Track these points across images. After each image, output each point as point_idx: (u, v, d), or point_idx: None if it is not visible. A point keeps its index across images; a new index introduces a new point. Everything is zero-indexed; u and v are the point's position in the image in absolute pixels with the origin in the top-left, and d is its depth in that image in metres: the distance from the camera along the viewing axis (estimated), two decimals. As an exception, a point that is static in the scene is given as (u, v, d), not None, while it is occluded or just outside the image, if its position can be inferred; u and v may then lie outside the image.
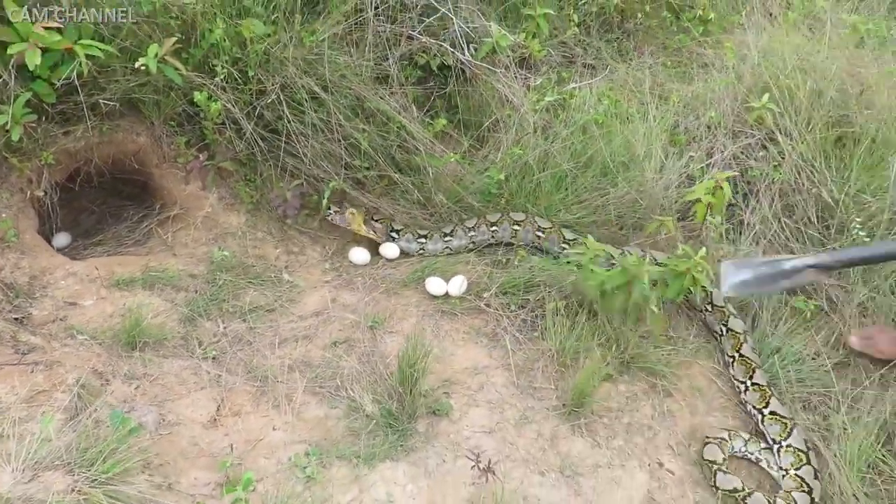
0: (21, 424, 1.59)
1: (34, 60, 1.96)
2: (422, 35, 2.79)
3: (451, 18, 2.81)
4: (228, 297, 2.24)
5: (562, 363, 2.15)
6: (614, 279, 1.99)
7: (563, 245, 2.53)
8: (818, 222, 2.63)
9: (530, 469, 1.85)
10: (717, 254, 2.59)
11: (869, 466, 1.95)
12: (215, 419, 1.86)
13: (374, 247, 2.60)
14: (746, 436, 2.08)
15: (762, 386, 2.14)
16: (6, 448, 1.51)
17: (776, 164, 2.77)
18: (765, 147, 2.86)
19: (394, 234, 2.58)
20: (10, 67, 2.02)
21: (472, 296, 2.38)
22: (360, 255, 2.52)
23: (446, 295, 2.39)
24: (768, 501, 1.88)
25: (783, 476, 1.99)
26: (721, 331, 2.36)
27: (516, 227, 2.60)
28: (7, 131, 2.05)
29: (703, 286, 2.18)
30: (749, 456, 2.06)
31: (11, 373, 1.77)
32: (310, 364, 2.08)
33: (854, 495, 1.89)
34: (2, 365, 1.79)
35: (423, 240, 2.57)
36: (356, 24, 2.65)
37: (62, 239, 2.53)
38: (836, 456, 1.96)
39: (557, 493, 1.80)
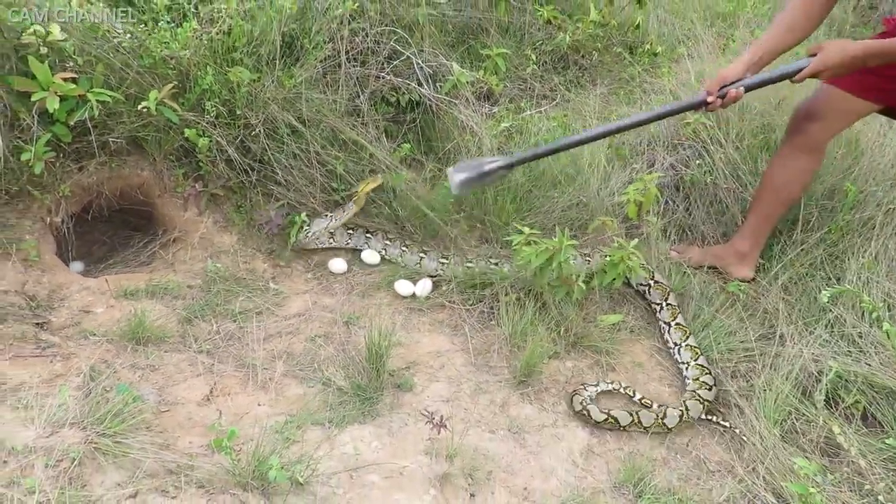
0: (42, 398, 1.88)
1: (53, 106, 2.35)
2: (389, 75, 3.19)
3: (414, 59, 3.21)
4: (221, 303, 2.55)
5: (514, 344, 2.43)
6: (539, 256, 2.29)
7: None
8: (743, 216, 2.94)
9: (482, 429, 2.12)
10: (656, 249, 2.90)
11: (788, 415, 2.20)
12: (208, 398, 2.14)
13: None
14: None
15: (673, 305, 2.63)
16: (30, 414, 1.80)
17: (708, 170, 3.10)
18: (701, 156, 3.20)
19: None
20: (33, 113, 2.40)
21: (436, 294, 2.69)
22: (338, 264, 2.84)
23: (413, 295, 2.69)
24: (657, 415, 2.23)
25: (686, 367, 2.45)
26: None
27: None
28: (30, 167, 2.41)
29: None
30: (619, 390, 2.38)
31: (34, 362, 2.08)
32: (292, 354, 2.37)
33: (772, 443, 2.13)
34: (26, 357, 2.10)
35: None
36: (330, 67, 3.06)
37: (77, 266, 2.85)
38: (756, 410, 2.21)
39: (505, 445, 2.06)
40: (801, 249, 2.76)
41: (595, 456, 2.11)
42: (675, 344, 2.53)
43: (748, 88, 2.17)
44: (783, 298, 2.63)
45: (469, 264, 2.77)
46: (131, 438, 1.78)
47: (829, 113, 2.51)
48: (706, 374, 2.38)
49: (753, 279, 2.81)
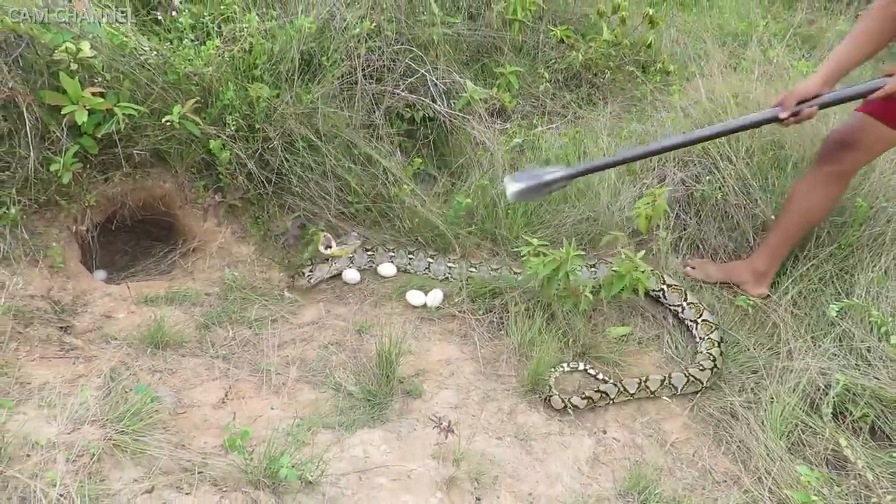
0: (64, 397, 1.96)
1: (82, 119, 2.45)
2: (404, 92, 3.27)
3: (429, 76, 3.30)
4: (238, 310, 2.62)
5: (523, 354, 2.47)
6: (547, 267, 2.34)
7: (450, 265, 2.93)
8: (753, 232, 2.97)
9: (489, 435, 2.15)
10: (665, 263, 2.93)
11: (794, 427, 2.21)
12: (223, 402, 2.20)
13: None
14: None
15: (696, 304, 2.74)
16: (52, 411, 1.88)
17: (718, 186, 3.13)
18: (711, 172, 3.23)
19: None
20: (63, 125, 2.51)
21: (447, 304, 2.74)
22: (352, 275, 2.90)
23: (425, 305, 2.74)
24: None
25: (701, 341, 2.61)
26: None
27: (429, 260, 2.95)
28: (59, 177, 2.52)
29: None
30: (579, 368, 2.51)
31: (58, 363, 2.16)
32: (305, 361, 2.43)
33: (779, 454, 2.13)
34: (50, 358, 2.18)
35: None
36: (347, 84, 3.15)
37: (100, 275, 2.95)
38: (762, 423, 2.22)
39: (511, 451, 2.09)
40: (812, 265, 2.77)
41: (601, 464, 2.13)
42: (702, 338, 2.63)
43: (822, 106, 2.16)
44: (792, 313, 2.64)
45: (472, 269, 2.85)
46: (148, 437, 1.85)
47: (864, 142, 2.49)
48: (708, 359, 2.49)
49: (768, 296, 2.82)
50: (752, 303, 2.74)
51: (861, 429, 2.24)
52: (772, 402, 2.28)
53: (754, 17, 4.79)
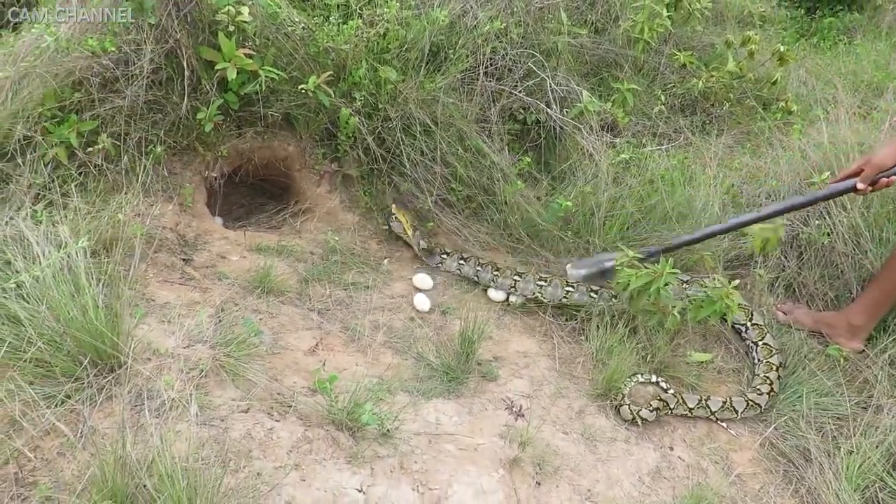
0: (182, 318, 2.18)
1: (232, 76, 2.71)
2: (521, 93, 3.38)
3: (548, 82, 3.39)
4: (336, 272, 2.80)
5: (599, 360, 2.51)
6: (639, 279, 2.36)
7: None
8: (858, 284, 2.87)
9: (556, 428, 2.21)
10: (759, 301, 2.89)
11: (872, 483, 2.14)
12: (314, 350, 2.37)
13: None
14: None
15: (760, 325, 2.77)
16: (171, 328, 2.10)
17: (827, 231, 3.04)
18: (822, 217, 3.15)
19: (444, 255, 2.97)
20: (213, 80, 2.77)
21: (531, 305, 2.81)
22: (424, 280, 2.95)
23: (507, 302, 2.83)
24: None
25: (758, 364, 2.64)
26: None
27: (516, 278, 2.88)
28: (202, 125, 2.78)
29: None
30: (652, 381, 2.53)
31: (179, 288, 2.40)
32: (391, 328, 2.57)
33: (850, 506, 2.08)
34: (173, 282, 2.42)
35: (462, 261, 2.95)
36: (468, 78, 3.29)
37: (218, 221, 3.22)
38: (837, 471, 2.17)
39: (576, 447, 2.14)
40: (917, 326, 2.66)
41: (663, 479, 2.15)
42: (760, 360, 2.67)
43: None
44: (888, 372, 2.54)
45: (569, 289, 2.77)
46: (249, 365, 2.03)
47: None
48: (765, 382, 2.52)
49: (863, 351, 2.72)
50: (844, 354, 2.66)
51: (946, 500, 2.14)
52: (851, 453, 2.21)
53: (894, 68, 4.58)
